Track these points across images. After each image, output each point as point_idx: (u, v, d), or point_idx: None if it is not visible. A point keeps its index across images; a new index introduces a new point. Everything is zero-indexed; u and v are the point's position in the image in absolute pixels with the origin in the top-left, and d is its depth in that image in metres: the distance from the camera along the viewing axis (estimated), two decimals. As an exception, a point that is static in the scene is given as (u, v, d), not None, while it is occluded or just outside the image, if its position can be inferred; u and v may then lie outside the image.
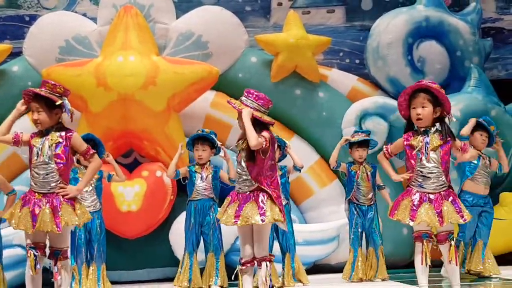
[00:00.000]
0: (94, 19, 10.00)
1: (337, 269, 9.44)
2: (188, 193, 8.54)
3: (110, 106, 9.23)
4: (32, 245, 5.65)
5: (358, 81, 10.46)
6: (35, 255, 5.60)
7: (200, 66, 9.51)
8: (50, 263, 5.76)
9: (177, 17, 10.01)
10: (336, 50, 10.82)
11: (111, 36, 9.55)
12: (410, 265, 9.96)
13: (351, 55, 10.88)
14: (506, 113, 10.05)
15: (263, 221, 5.59)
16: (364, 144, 8.65)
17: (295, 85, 10.03)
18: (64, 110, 5.79)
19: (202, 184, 8.42)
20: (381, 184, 8.75)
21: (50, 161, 5.69)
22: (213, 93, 9.84)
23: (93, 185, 8.19)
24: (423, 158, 5.84)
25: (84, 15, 10.30)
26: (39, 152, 5.69)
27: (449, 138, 5.87)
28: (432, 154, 5.83)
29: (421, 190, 5.85)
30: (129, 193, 9.19)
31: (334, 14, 10.97)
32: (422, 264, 5.85)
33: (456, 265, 5.90)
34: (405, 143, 5.95)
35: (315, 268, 9.29)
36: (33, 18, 10.31)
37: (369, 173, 8.60)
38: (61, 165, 5.72)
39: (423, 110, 5.85)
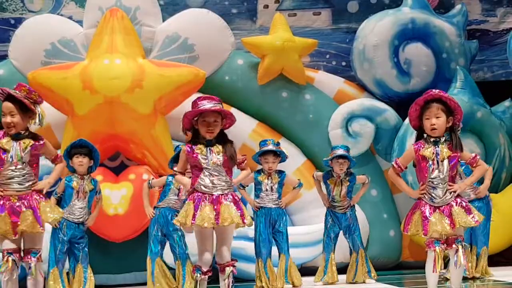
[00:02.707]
0: (80, 22, 9.98)
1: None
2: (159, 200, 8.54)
3: (96, 109, 9.20)
4: (9, 251, 5.59)
5: (345, 83, 10.48)
6: (14, 260, 5.56)
7: (186, 69, 9.50)
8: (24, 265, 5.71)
9: (163, 20, 10.00)
10: (323, 52, 10.83)
11: (97, 39, 9.53)
12: (398, 267, 10.03)
13: (338, 57, 10.89)
14: (491, 114, 10.08)
15: (244, 223, 5.65)
16: (346, 157, 8.59)
17: (282, 87, 10.03)
18: (34, 118, 5.73)
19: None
20: (364, 182, 8.70)
21: (25, 164, 5.64)
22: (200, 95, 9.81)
23: (85, 199, 8.08)
24: (434, 168, 5.81)
25: (70, 18, 10.28)
26: (13, 156, 5.61)
27: (458, 150, 5.83)
28: (442, 165, 5.80)
29: (430, 203, 5.83)
30: (115, 196, 9.16)
31: (320, 17, 10.98)
32: (433, 272, 5.83)
33: (461, 268, 5.88)
34: (417, 153, 5.88)
35: (302, 271, 9.26)
36: (19, 21, 10.27)
37: (344, 187, 8.56)
38: (35, 167, 5.71)
39: (438, 120, 5.77)
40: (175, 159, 8.16)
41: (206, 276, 5.69)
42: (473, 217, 5.80)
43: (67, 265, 8.13)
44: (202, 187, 5.70)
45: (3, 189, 5.61)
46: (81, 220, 8.02)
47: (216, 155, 5.72)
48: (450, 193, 5.80)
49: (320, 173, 8.79)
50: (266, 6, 10.90)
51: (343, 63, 10.82)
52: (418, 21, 10.21)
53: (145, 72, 9.32)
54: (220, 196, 5.68)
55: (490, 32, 11.23)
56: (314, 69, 10.62)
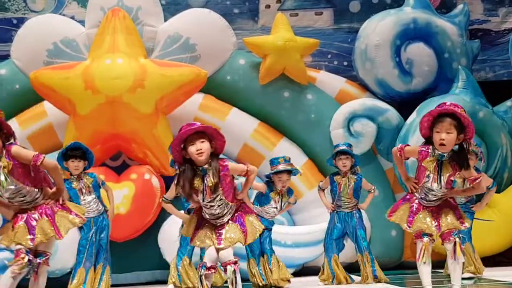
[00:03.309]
0: (82, 22, 9.99)
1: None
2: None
3: (98, 108, 9.21)
4: (27, 249, 5.51)
5: (346, 83, 10.48)
6: (29, 260, 5.51)
7: (188, 68, 9.51)
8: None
9: (165, 20, 10.01)
10: (324, 52, 10.82)
11: (99, 39, 9.54)
12: (400, 267, 10.03)
13: (339, 57, 10.88)
14: (493, 114, 10.07)
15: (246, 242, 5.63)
16: (348, 152, 8.55)
17: (284, 87, 10.04)
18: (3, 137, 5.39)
19: None
20: (370, 189, 8.68)
21: (19, 186, 5.40)
22: (202, 96, 9.84)
23: (92, 192, 8.12)
24: (432, 182, 5.79)
25: (72, 18, 10.29)
26: (2, 184, 5.35)
27: (462, 169, 5.75)
28: (441, 180, 5.78)
29: (422, 202, 5.83)
30: (117, 196, 9.15)
31: (322, 16, 10.98)
32: (419, 260, 5.82)
33: (459, 262, 5.87)
34: (420, 159, 5.83)
35: (304, 270, 9.28)
36: (21, 21, 10.29)
37: (352, 183, 8.53)
38: (28, 180, 5.43)
39: (448, 136, 5.66)
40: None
41: (211, 272, 5.66)
42: (461, 221, 5.80)
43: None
44: (204, 215, 5.63)
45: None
46: (97, 213, 8.09)
47: (209, 192, 5.52)
48: (445, 200, 5.83)
49: (324, 181, 8.70)
50: (268, 6, 10.90)
51: (345, 63, 10.82)
52: (420, 21, 10.20)
53: (147, 72, 9.33)
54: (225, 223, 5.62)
55: (492, 32, 11.22)
56: (316, 69, 10.62)
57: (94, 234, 8.10)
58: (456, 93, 9.89)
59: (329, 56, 10.89)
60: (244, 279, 9.03)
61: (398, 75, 10.15)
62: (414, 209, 5.80)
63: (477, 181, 5.80)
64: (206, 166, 5.46)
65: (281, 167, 8.21)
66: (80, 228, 8.00)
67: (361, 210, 8.62)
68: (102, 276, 8.19)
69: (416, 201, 5.84)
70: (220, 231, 5.57)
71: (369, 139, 9.89)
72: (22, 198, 5.45)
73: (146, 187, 9.29)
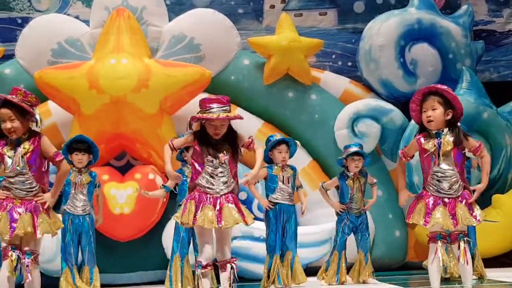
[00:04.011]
0: (86, 22, 10.00)
1: (330, 271, 9.46)
2: (179, 197, 8.46)
3: (102, 108, 9.23)
4: (12, 246, 5.60)
5: (351, 83, 10.48)
6: (18, 256, 5.57)
7: (192, 68, 9.52)
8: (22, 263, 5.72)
9: (170, 20, 10.02)
10: (329, 52, 10.82)
11: (104, 39, 9.55)
12: (403, 267, 10.03)
13: (344, 57, 10.88)
14: (498, 115, 10.06)
15: (246, 222, 5.66)
16: (361, 153, 8.58)
17: (288, 87, 10.04)
18: (33, 120, 5.69)
19: None
20: (372, 182, 8.69)
21: (25, 170, 5.60)
22: (206, 96, 9.83)
23: (85, 191, 8.16)
24: (437, 161, 5.82)
25: (77, 17, 10.30)
26: (13, 162, 5.58)
27: (462, 142, 5.83)
28: (445, 157, 5.81)
29: (436, 194, 5.84)
30: (121, 195, 9.18)
31: (327, 17, 10.98)
32: (433, 263, 5.84)
33: (467, 264, 5.88)
34: (419, 145, 5.90)
35: (308, 271, 9.26)
36: (26, 20, 10.29)
37: (363, 184, 8.57)
38: (36, 172, 5.65)
39: (434, 112, 5.81)
40: (182, 151, 8.21)
41: (207, 270, 5.68)
42: (475, 216, 5.81)
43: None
44: (204, 184, 5.68)
45: (5, 194, 5.61)
46: (83, 213, 8.10)
47: (222, 154, 5.71)
48: (458, 185, 5.81)
49: (329, 182, 8.72)
50: (272, 6, 10.91)
51: (349, 63, 10.82)
52: (424, 22, 10.20)
53: (151, 71, 9.33)
54: (221, 197, 5.67)
55: (496, 33, 11.21)
56: (320, 69, 10.62)
57: (71, 233, 8.10)
58: (460, 93, 9.87)
59: (333, 56, 10.89)
60: (243, 279, 9.07)
61: (402, 76, 10.15)
62: (430, 206, 5.82)
63: (480, 148, 5.89)
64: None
65: (279, 138, 8.30)
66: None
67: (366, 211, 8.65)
68: (92, 276, 8.20)
69: (431, 197, 5.84)
70: (219, 215, 5.61)
71: (373, 140, 9.89)
72: (19, 186, 5.60)
73: (150, 187, 9.28)
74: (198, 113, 5.77)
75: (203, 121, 5.77)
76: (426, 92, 5.89)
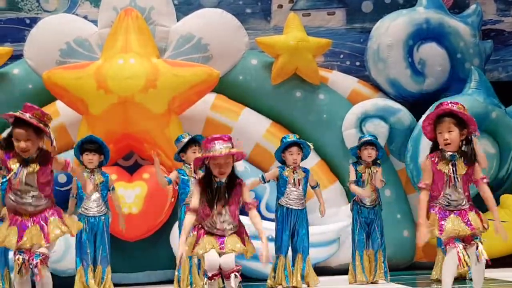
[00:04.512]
0: (94, 22, 10.02)
1: (337, 271, 9.46)
2: (180, 198, 8.46)
3: (110, 108, 9.24)
4: (19, 249, 5.60)
5: (359, 83, 10.47)
6: (23, 259, 5.58)
7: (200, 68, 9.52)
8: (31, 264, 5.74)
9: (178, 20, 10.03)
10: (337, 52, 10.81)
11: (112, 39, 9.56)
12: (411, 267, 10.01)
13: (352, 57, 10.88)
14: (506, 115, 10.03)
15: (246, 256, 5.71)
16: (373, 143, 8.61)
17: (296, 87, 10.04)
18: (47, 139, 5.66)
19: None
20: (382, 179, 8.70)
21: (32, 188, 5.59)
22: (214, 96, 9.85)
23: (98, 191, 8.20)
24: (452, 185, 5.81)
25: (85, 17, 10.32)
26: (19, 179, 5.55)
27: (473, 162, 5.82)
28: (458, 180, 5.81)
29: (445, 207, 5.84)
30: (129, 195, 9.19)
31: (335, 16, 10.97)
32: (449, 265, 5.81)
33: (482, 265, 5.87)
34: (433, 165, 5.86)
35: (316, 271, 9.25)
36: (34, 20, 10.32)
37: (373, 174, 8.57)
38: (44, 188, 5.65)
39: (450, 135, 5.76)
40: (180, 151, 8.23)
41: (213, 280, 5.65)
42: (482, 223, 5.81)
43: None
44: (207, 228, 5.67)
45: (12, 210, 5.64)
46: (98, 213, 8.13)
47: (223, 199, 5.66)
48: (465, 203, 5.83)
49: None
50: (280, 6, 10.90)
51: (357, 63, 10.81)
52: (433, 21, 10.18)
53: (159, 72, 9.34)
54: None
55: (505, 32, 11.19)
56: (328, 69, 10.61)
57: (87, 234, 8.14)
58: (468, 93, 9.86)
59: (342, 56, 10.88)
60: (251, 279, 9.07)
61: (410, 75, 10.13)
62: (442, 215, 5.81)
63: (483, 182, 5.85)
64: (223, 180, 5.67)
65: (291, 140, 8.31)
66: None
67: (381, 205, 8.63)
68: (104, 276, 8.24)
69: (441, 209, 5.84)
70: (221, 239, 5.62)
71: (381, 140, 9.84)
72: (28, 200, 5.60)
73: (158, 186, 9.28)
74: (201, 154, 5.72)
75: (207, 161, 5.67)
76: (440, 113, 5.82)
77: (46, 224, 5.60)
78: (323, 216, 8.54)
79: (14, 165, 5.60)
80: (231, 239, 5.64)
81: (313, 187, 8.48)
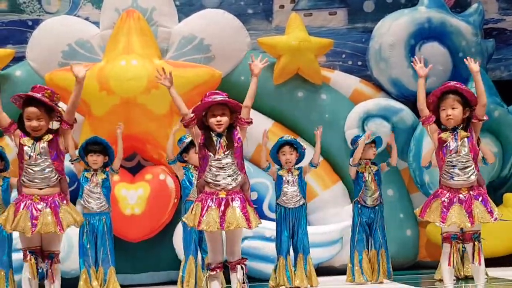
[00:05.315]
0: (96, 23, 10.03)
1: (341, 271, 9.44)
2: (183, 194, 8.46)
3: (112, 109, 9.25)
4: (31, 249, 5.63)
5: (361, 83, 10.47)
6: (36, 259, 5.59)
7: (202, 69, 9.54)
8: (41, 267, 5.74)
9: (179, 21, 10.04)
10: (339, 52, 10.82)
11: (114, 40, 9.58)
12: (415, 266, 10.01)
13: (354, 57, 10.88)
14: (509, 113, 10.04)
15: (250, 227, 5.60)
16: (373, 141, 8.67)
17: (298, 87, 10.04)
18: (57, 119, 5.74)
19: None
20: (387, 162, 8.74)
21: (45, 157, 5.62)
22: (216, 96, 9.84)
23: (99, 185, 8.22)
24: (453, 150, 5.85)
25: (87, 19, 10.32)
26: (33, 151, 5.61)
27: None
28: (460, 145, 5.84)
29: (451, 184, 5.83)
30: (132, 196, 9.21)
31: (336, 16, 10.98)
32: (449, 265, 5.86)
33: (480, 265, 5.89)
34: (438, 133, 5.95)
35: (319, 271, 9.27)
36: (36, 22, 10.33)
37: (374, 172, 8.58)
38: (56, 158, 5.67)
39: (453, 111, 5.89)
40: (182, 151, 8.24)
41: (216, 273, 5.65)
42: (491, 213, 5.81)
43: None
44: (209, 179, 5.64)
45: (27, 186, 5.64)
46: (98, 210, 8.15)
47: (224, 148, 5.68)
48: (471, 169, 5.83)
49: (352, 173, 8.72)
50: (281, 6, 10.91)
51: (359, 63, 10.81)
52: (435, 21, 10.18)
53: (161, 72, 9.34)
54: (228, 196, 5.61)
55: (507, 31, 11.19)
56: (330, 69, 10.61)
57: (88, 233, 8.15)
58: (471, 92, 9.85)
59: (343, 56, 10.88)
60: (254, 279, 9.08)
61: (412, 75, 10.11)
62: (446, 204, 5.82)
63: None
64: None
65: (283, 139, 8.41)
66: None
67: (383, 204, 8.65)
68: (106, 278, 8.24)
69: (447, 195, 5.85)
70: (223, 217, 5.55)
71: (383, 139, 9.87)
72: (39, 175, 5.60)
73: (161, 187, 9.32)
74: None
75: (205, 116, 5.75)
76: (444, 91, 5.95)
77: (58, 211, 5.60)
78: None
79: (28, 142, 5.64)
80: (231, 213, 5.56)
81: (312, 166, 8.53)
